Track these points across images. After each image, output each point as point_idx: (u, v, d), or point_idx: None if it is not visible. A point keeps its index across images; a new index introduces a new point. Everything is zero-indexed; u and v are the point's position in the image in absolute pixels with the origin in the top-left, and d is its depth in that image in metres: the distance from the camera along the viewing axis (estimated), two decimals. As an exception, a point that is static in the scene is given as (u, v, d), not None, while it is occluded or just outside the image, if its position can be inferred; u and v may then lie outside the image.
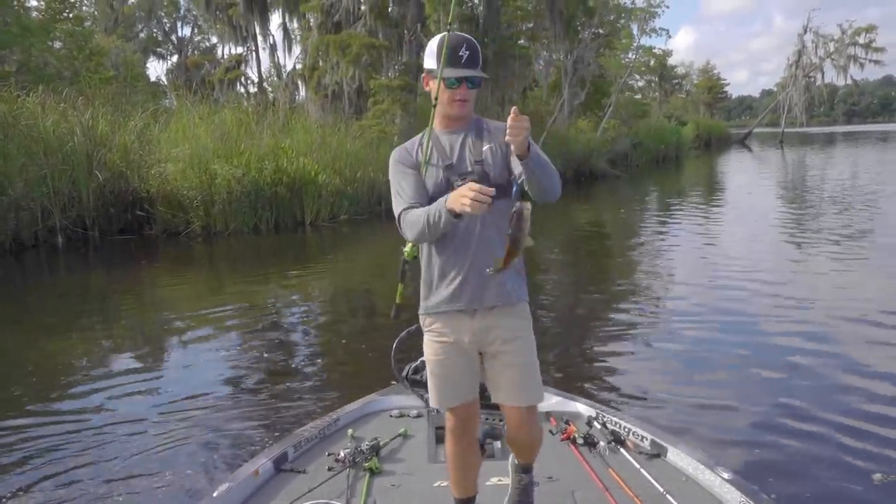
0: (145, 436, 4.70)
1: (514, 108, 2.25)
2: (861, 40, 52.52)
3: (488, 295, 2.57)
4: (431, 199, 2.51)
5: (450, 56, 2.48)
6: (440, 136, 2.63)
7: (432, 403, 2.74)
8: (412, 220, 2.46)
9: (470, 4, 21.88)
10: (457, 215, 2.30)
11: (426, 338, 2.71)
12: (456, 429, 2.73)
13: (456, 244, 2.55)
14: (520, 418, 2.68)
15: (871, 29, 52.40)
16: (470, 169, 2.55)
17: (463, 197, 2.22)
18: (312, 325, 7.95)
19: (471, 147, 2.59)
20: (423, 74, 2.63)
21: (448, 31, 2.53)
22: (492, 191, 2.21)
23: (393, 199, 2.60)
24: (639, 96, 47.77)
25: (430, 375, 2.71)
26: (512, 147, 2.29)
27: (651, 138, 37.91)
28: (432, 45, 2.57)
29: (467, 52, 2.50)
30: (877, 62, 52.83)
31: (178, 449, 4.48)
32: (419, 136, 2.69)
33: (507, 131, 2.23)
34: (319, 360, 6.56)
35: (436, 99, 2.58)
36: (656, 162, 37.89)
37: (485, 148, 2.58)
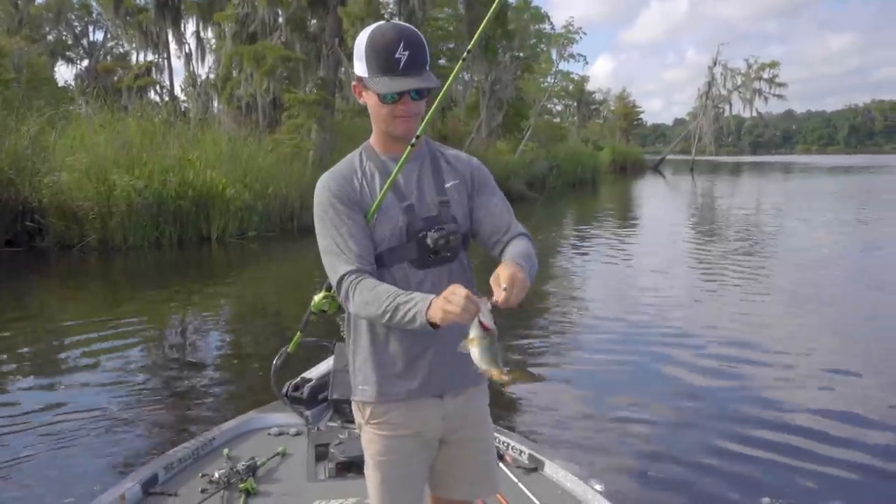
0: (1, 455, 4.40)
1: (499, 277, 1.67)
2: (765, 75, 55.68)
3: (464, 376, 1.93)
4: (385, 252, 1.92)
5: (382, 61, 1.81)
6: (387, 164, 1.96)
7: None
8: (367, 298, 1.79)
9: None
10: (435, 324, 1.68)
11: (369, 433, 2.02)
12: None
13: None
14: None
15: (774, 65, 55.86)
16: (436, 212, 1.94)
17: (449, 304, 1.61)
18: (205, 343, 7.68)
19: (431, 181, 1.98)
20: (353, 83, 1.96)
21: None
22: (487, 304, 1.64)
23: (328, 251, 1.90)
24: (557, 120, 48.77)
25: (374, 482, 2.01)
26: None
27: (568, 162, 38.62)
28: (360, 42, 1.86)
29: (406, 53, 1.80)
30: (779, 96, 56.32)
31: (39, 471, 4.20)
32: (353, 156, 2.01)
33: (508, 300, 1.66)
34: (206, 379, 6.26)
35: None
36: (573, 186, 38.52)
37: (448, 184, 1.99)
